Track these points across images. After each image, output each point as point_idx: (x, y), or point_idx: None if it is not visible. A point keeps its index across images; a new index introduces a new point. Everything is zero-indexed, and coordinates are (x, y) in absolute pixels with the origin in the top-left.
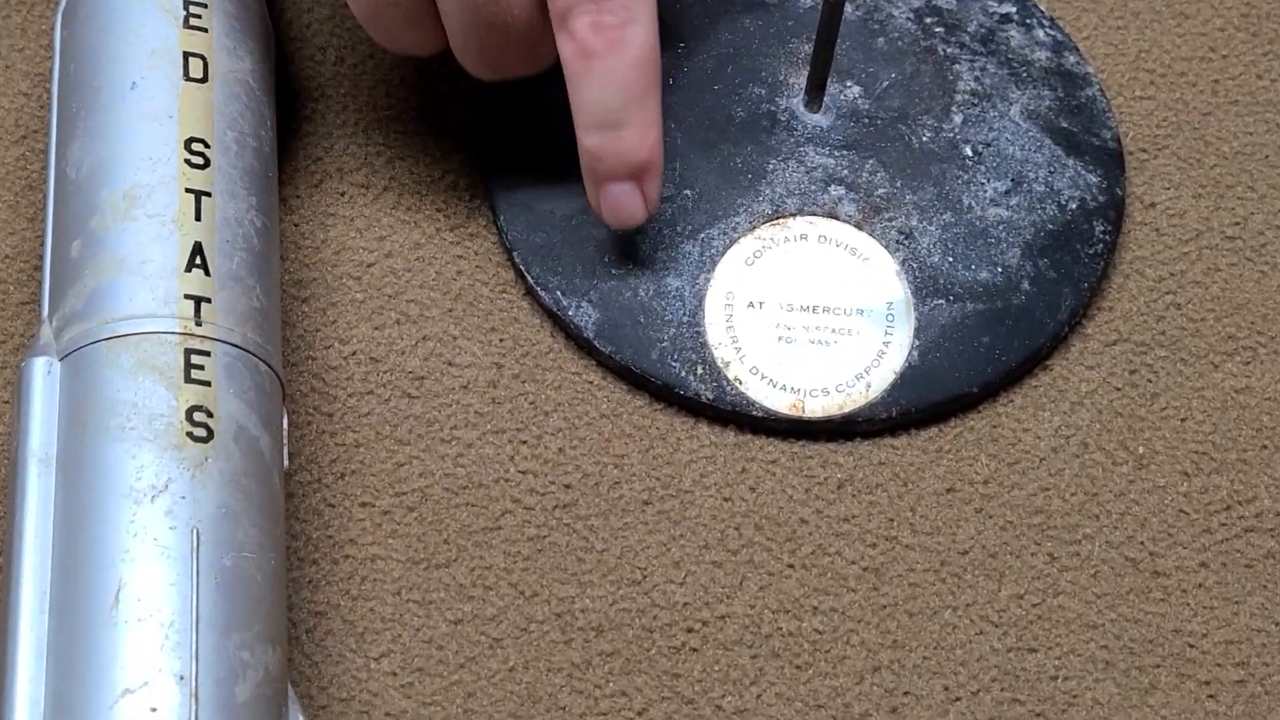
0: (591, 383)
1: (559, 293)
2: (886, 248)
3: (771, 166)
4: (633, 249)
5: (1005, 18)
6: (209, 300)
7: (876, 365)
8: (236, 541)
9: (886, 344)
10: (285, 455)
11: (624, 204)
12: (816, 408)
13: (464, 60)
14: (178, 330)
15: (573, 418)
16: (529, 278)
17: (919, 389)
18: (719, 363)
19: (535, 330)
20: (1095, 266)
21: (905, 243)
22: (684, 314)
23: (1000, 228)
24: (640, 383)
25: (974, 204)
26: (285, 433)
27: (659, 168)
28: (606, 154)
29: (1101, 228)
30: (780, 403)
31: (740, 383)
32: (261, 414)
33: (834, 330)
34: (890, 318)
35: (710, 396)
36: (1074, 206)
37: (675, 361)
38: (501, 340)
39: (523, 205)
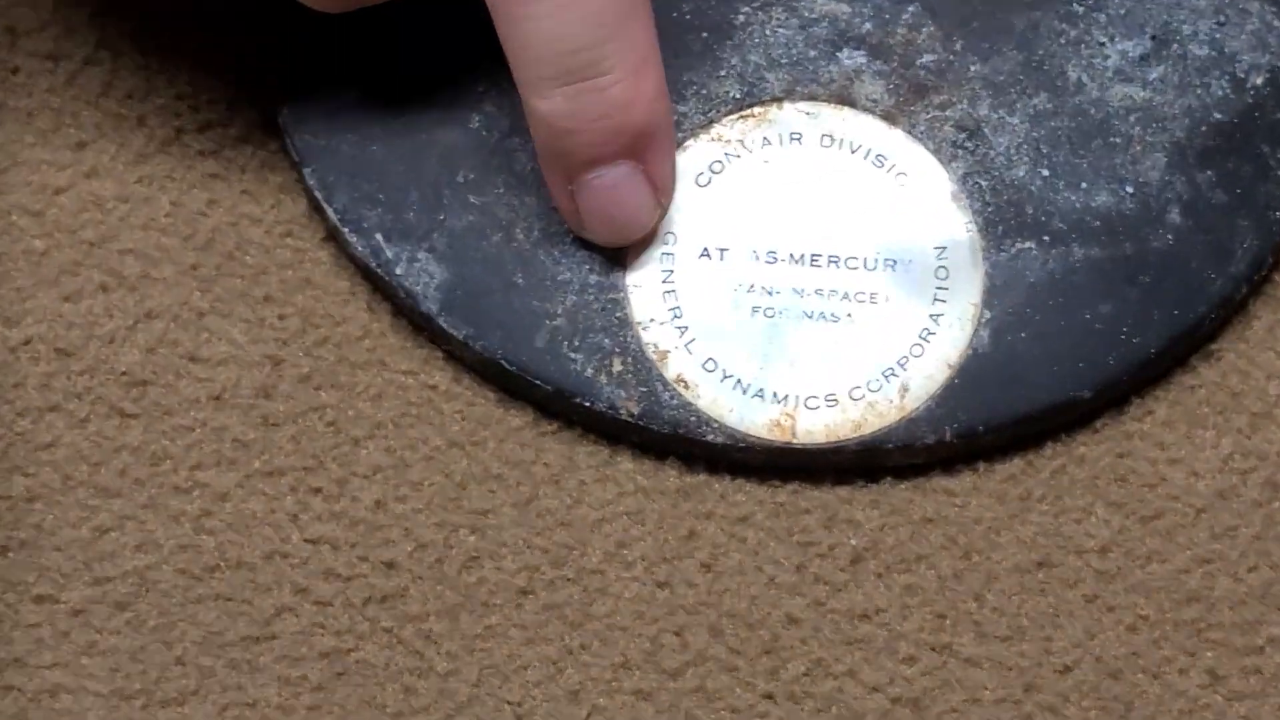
0: (434, 387)
1: (380, 237)
2: (937, 154)
3: (742, 17)
4: (505, 163)
5: None
6: None
7: (919, 355)
8: None
9: (936, 319)
10: None
11: (622, 201)
12: (816, 427)
13: None
14: None
15: (401, 448)
16: (331, 213)
17: (991, 394)
18: (650, 353)
19: (341, 300)
20: None
21: (969, 145)
22: (590, 271)
23: (1132, 119)
24: (517, 387)
25: (1087, 79)
26: None
27: (670, 134)
28: (582, 121)
29: None
30: (755, 419)
31: (687, 386)
32: None
33: (845, 296)
34: (943, 274)
35: (636, 410)
36: (1261, 82)
37: (576, 351)
38: (282, 318)
39: (323, 94)
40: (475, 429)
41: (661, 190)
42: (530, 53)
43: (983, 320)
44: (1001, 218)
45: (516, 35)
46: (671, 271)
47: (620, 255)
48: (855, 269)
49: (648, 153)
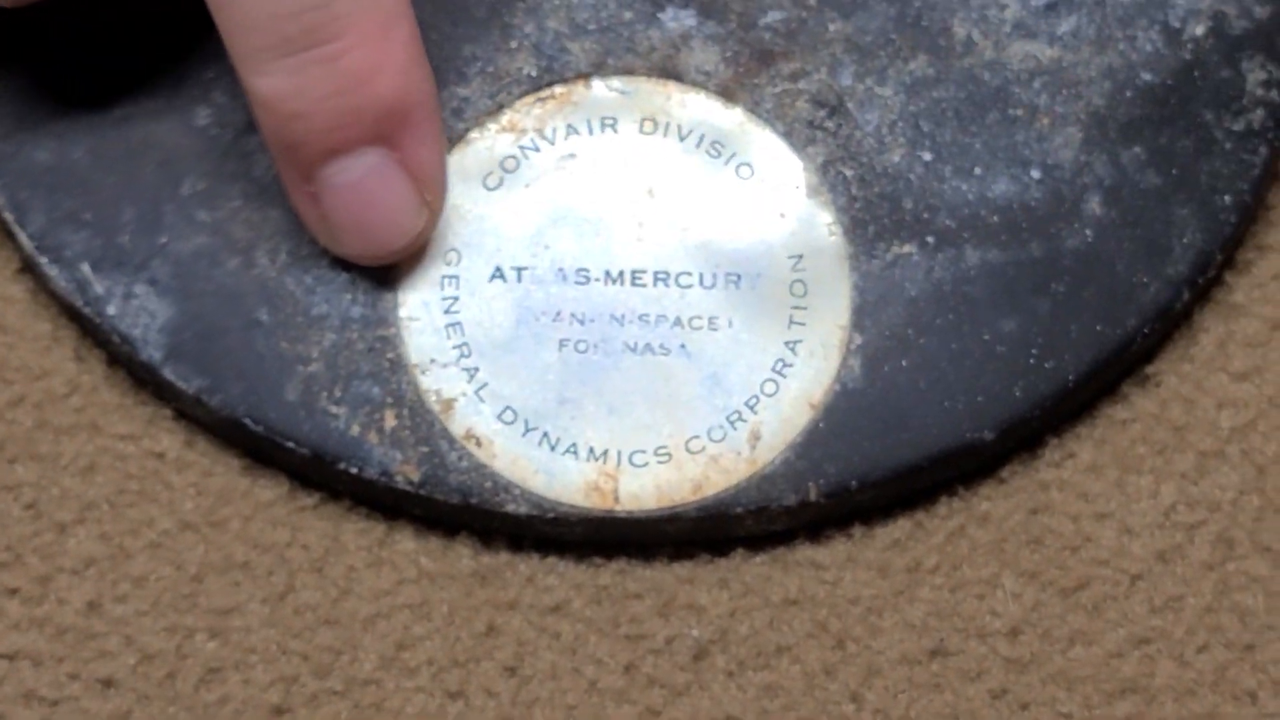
0: (161, 455)
1: (87, 267)
2: (788, 138)
3: None
4: (242, 168)
5: None
6: None
7: (772, 394)
8: None
9: (793, 346)
10: None
11: (374, 199)
12: (645, 490)
13: None
14: None
15: (120, 534)
16: (25, 239)
17: (866, 440)
18: (432, 403)
19: (40, 348)
20: (1247, 161)
21: (829, 125)
22: (353, 302)
23: (1037, 85)
24: (266, 451)
25: (978, 35)
26: None
27: (432, 110)
28: (311, 100)
29: (1260, 76)
30: (567, 482)
31: (479, 444)
32: None
33: (677, 323)
34: (800, 289)
35: (416, 476)
36: (1201, 32)
37: (337, 404)
38: None
39: (10, 87)
40: (214, 506)
41: (426, 183)
42: (241, 18)
43: (852, 346)
44: (873, 216)
45: (226, 4)
46: (455, 298)
47: (390, 280)
48: (689, 287)
49: (402, 136)
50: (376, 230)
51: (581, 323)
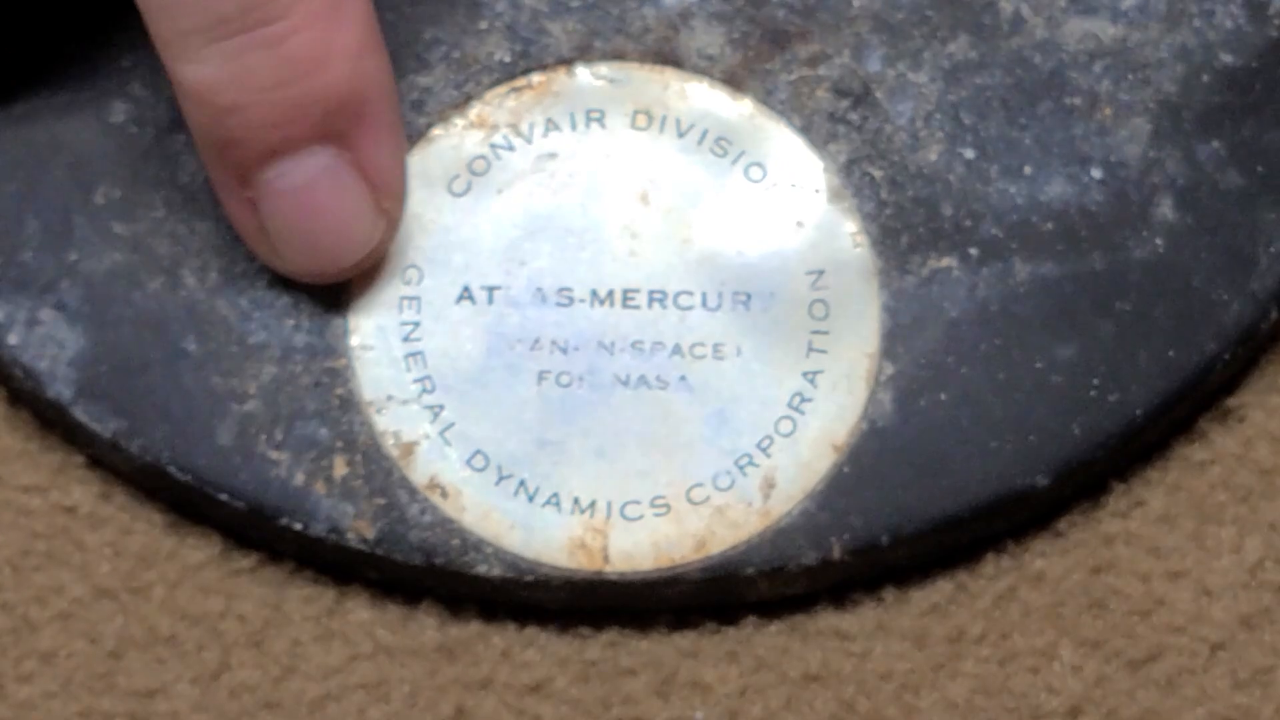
0: (72, 509)
1: None
2: (807, 133)
3: None
4: (165, 172)
5: None
6: None
7: (788, 434)
8: None
9: (813, 378)
10: None
11: (322, 206)
12: (640, 548)
13: None
14: None
15: (24, 603)
16: None
17: (899, 488)
18: (389, 447)
19: None
20: None
21: (854, 118)
22: (296, 328)
23: (1098, 69)
24: (196, 505)
25: (1028, 11)
26: None
27: (389, 103)
28: (249, 91)
29: None
30: (549, 539)
31: (445, 495)
32: None
33: (677, 351)
34: (821, 311)
35: (371, 533)
36: None
37: (279, 449)
38: None
39: None
40: (135, 569)
41: (382, 188)
42: (171, 4)
43: (882, 378)
44: (906, 224)
45: None
46: (416, 324)
47: (340, 302)
48: (690, 309)
49: (355, 133)
50: (325, 243)
51: (564, 351)
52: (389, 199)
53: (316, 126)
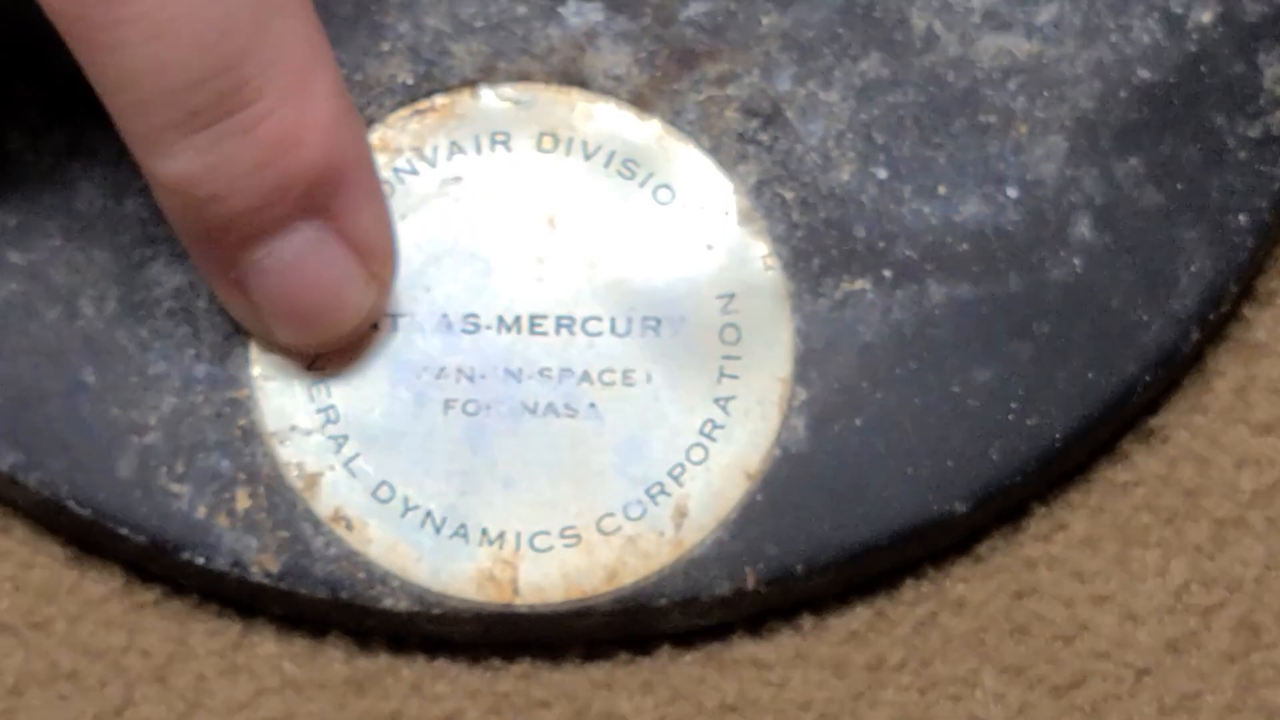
0: None
1: None
2: (715, 154)
3: None
4: (63, 198)
5: None
6: None
7: (700, 461)
8: None
9: (724, 404)
10: None
11: (313, 281)
12: (549, 579)
13: None
14: None
15: None
16: None
17: (815, 515)
18: (293, 479)
19: None
20: (1266, 173)
21: (764, 138)
22: (197, 358)
23: (1013, 86)
24: (95, 539)
25: (941, 28)
26: None
27: (367, 167)
28: (229, 179)
29: (1278, 71)
30: (456, 572)
31: (350, 527)
32: None
33: (585, 378)
34: (732, 335)
35: (275, 567)
36: (1209, 19)
37: (179, 481)
38: None
39: None
40: (34, 604)
41: (370, 253)
42: (134, 94)
43: (795, 403)
44: (818, 246)
45: (112, 74)
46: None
47: (241, 331)
48: (598, 335)
49: (337, 203)
50: (319, 316)
51: (471, 380)
52: (378, 263)
53: (299, 203)
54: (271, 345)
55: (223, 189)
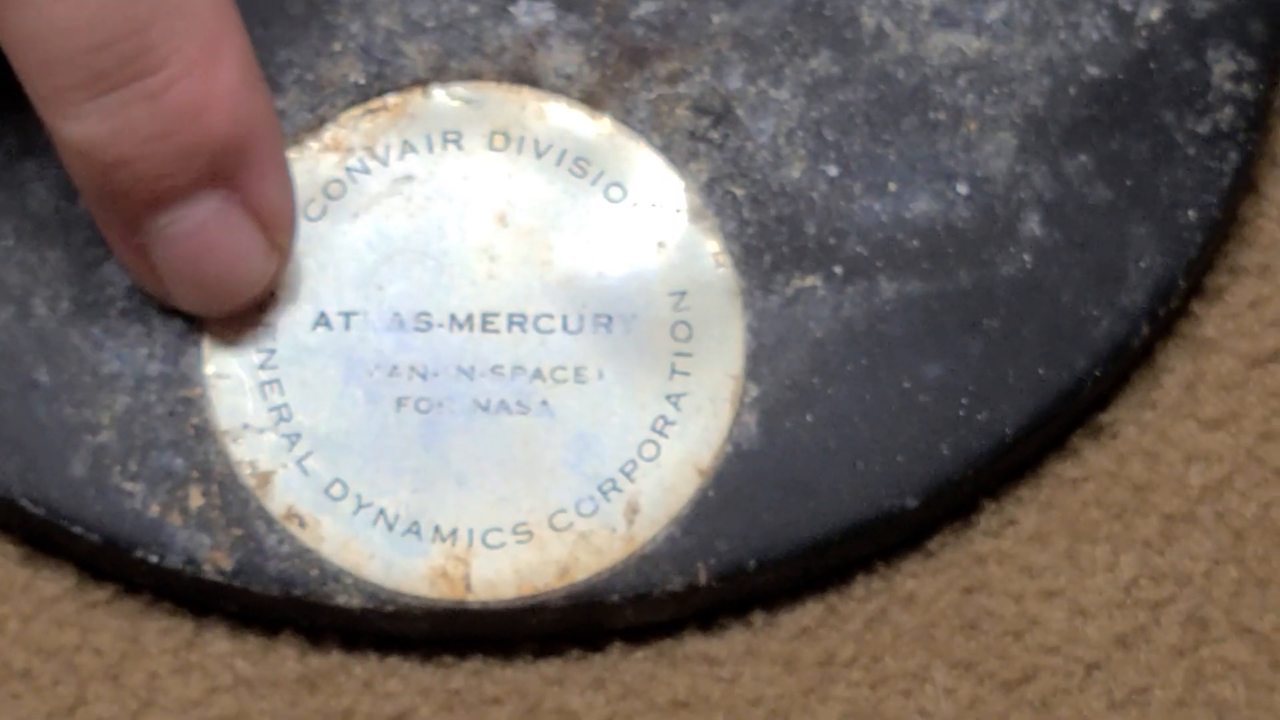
0: None
1: None
2: (666, 152)
3: None
4: (15, 199)
5: None
6: None
7: (652, 458)
8: None
9: (676, 401)
10: None
11: (215, 249)
12: (502, 576)
13: None
14: None
15: None
16: None
17: (766, 511)
18: (246, 477)
19: None
20: (1215, 169)
21: (715, 136)
22: (150, 356)
23: (962, 83)
24: (48, 537)
25: (891, 26)
26: None
27: (273, 138)
28: (132, 144)
29: (1228, 68)
30: (409, 569)
31: (303, 525)
32: None
33: (537, 375)
34: (683, 332)
35: (228, 565)
36: (1158, 17)
37: (132, 480)
38: None
39: None
40: None
41: (272, 223)
42: (41, 54)
43: (746, 400)
44: (769, 243)
45: (19, 33)
46: (273, 351)
47: (194, 329)
48: (550, 333)
49: (242, 173)
50: (220, 282)
51: (423, 377)
52: (280, 233)
53: (203, 172)
54: (174, 307)
55: (127, 154)
